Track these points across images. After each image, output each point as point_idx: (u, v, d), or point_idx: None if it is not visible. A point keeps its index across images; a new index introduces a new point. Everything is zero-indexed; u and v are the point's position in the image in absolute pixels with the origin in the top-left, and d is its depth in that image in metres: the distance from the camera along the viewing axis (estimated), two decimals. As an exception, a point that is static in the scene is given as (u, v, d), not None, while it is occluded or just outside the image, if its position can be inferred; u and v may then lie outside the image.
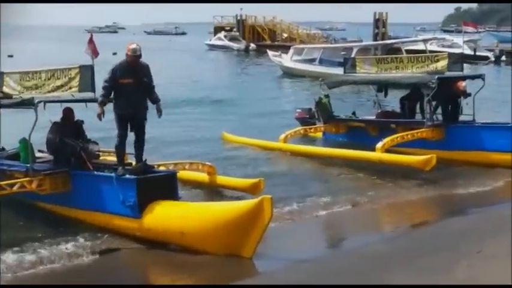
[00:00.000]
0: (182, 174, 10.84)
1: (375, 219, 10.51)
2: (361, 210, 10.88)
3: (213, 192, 11.81)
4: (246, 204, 8.35)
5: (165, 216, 8.85)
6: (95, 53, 10.21)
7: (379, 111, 16.73)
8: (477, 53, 46.18)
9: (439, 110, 15.09)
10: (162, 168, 10.36)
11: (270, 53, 44.61)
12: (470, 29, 41.96)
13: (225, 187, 11.72)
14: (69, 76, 10.49)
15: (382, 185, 12.61)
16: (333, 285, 7.13)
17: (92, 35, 10.51)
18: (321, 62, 37.07)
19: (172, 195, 9.32)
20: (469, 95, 14.92)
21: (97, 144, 10.63)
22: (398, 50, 35.43)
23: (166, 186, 9.35)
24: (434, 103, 14.95)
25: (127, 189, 9.06)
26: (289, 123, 17.83)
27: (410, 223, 10.38)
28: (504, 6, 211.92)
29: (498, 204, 11.28)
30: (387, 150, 13.82)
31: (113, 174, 9.38)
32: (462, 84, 14.90)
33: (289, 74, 38.72)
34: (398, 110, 16.31)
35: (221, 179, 11.72)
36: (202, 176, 11.78)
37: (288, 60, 40.55)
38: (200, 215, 8.72)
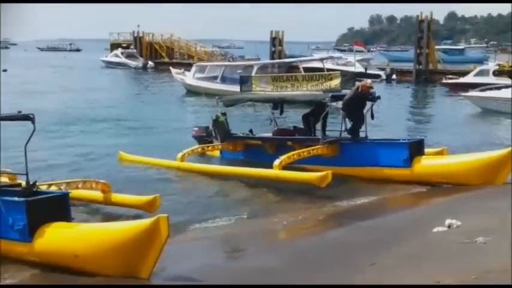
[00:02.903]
0: (75, 193, 10.54)
1: (271, 235, 10.59)
2: (257, 227, 10.95)
3: (108, 210, 11.54)
4: (142, 224, 8.18)
5: (57, 238, 8.52)
6: None
7: (276, 128, 16.92)
8: (369, 72, 47.88)
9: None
10: (53, 188, 10.01)
11: (173, 70, 44.39)
12: (360, 48, 43.50)
13: (121, 205, 11.47)
14: None
15: (278, 202, 12.79)
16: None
17: None
18: (223, 79, 37.18)
19: (65, 217, 8.98)
20: (379, 97, 15.21)
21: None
22: (296, 68, 36.16)
23: (58, 207, 9.01)
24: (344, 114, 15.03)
25: (16, 212, 8.65)
26: (188, 141, 17.73)
27: (305, 237, 10.50)
28: (394, 27, 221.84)
29: (390, 215, 11.61)
30: (285, 168, 14.00)
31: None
32: (368, 82, 15.19)
33: (192, 91, 38.55)
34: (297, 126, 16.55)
35: (116, 197, 11.47)
36: (97, 195, 11.50)
37: (190, 77, 40.43)
38: (94, 236, 8.47)
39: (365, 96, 15.01)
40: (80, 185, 11.00)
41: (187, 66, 47.40)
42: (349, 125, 15.01)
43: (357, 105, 14.89)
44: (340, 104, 15.40)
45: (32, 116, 9.28)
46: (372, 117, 15.04)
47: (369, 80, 15.43)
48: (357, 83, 15.79)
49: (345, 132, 15.03)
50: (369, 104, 15.09)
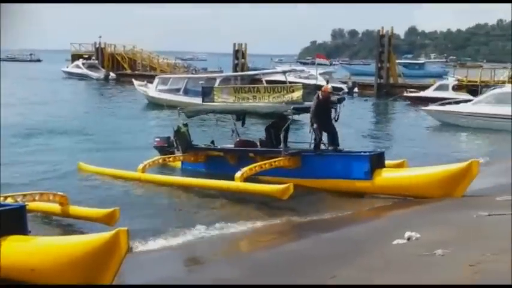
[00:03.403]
0: (32, 206, 10.34)
1: (232, 247, 10.55)
2: (218, 239, 10.92)
3: (67, 223, 11.37)
4: (101, 237, 8.02)
5: (13, 252, 8.28)
6: None
7: (238, 139, 16.90)
8: (330, 85, 48.17)
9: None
10: (9, 200, 9.77)
11: (136, 82, 44.23)
12: (322, 61, 43.91)
13: (79, 218, 11.31)
14: None
15: (239, 213, 12.72)
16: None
17: None
18: (186, 92, 37.17)
19: (22, 230, 8.78)
20: (343, 99, 15.21)
21: None
22: (259, 81, 36.25)
23: (14, 220, 8.80)
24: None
25: (-30, 226, 8.44)
26: (150, 153, 17.58)
27: (266, 249, 10.49)
28: (355, 41, 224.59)
29: (351, 227, 11.64)
30: (247, 179, 13.98)
31: None
32: (328, 87, 15.26)
33: (155, 103, 38.31)
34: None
35: (74, 210, 11.30)
36: (54, 207, 11.31)
37: (153, 89, 40.23)
38: (51, 250, 8.28)
39: (328, 101, 15.02)
40: (37, 198, 10.77)
41: (150, 78, 47.19)
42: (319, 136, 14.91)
43: (323, 113, 14.85)
44: (301, 116, 15.41)
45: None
46: (337, 119, 15.03)
47: (329, 85, 15.50)
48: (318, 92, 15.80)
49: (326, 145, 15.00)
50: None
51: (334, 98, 15.35)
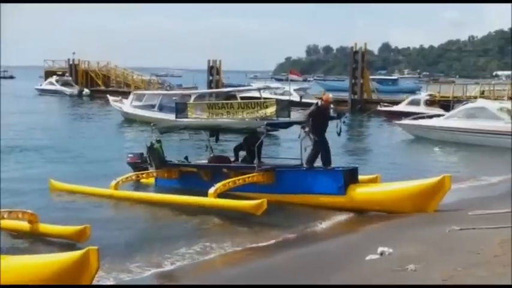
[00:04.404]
0: (1, 224, 10.20)
1: (206, 264, 10.47)
2: (191, 256, 10.84)
3: (37, 241, 11.21)
4: (71, 256, 7.92)
5: (-20, 272, 8.16)
6: None
7: (211, 155, 16.86)
8: (304, 100, 48.40)
9: None
10: (-23, 219, 9.62)
11: (111, 98, 44.13)
12: (295, 77, 44.27)
13: (49, 235, 11.20)
14: None
15: (213, 230, 12.67)
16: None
17: None
18: (161, 108, 37.15)
19: (-11, 249, 8.66)
20: (344, 114, 15.19)
21: None
22: (234, 97, 36.36)
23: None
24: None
25: None
26: (123, 169, 17.43)
27: (241, 265, 10.43)
28: (330, 57, 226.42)
29: (325, 243, 11.62)
30: (222, 195, 13.91)
31: None
32: (329, 96, 15.21)
33: (130, 119, 38.16)
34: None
35: (44, 227, 11.21)
36: (23, 225, 11.16)
37: (128, 105, 40.14)
38: (20, 270, 8.15)
39: (326, 112, 15.00)
40: (5, 216, 10.64)
41: (124, 95, 47.11)
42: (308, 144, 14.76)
43: (319, 121, 14.76)
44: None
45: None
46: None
47: (330, 94, 15.51)
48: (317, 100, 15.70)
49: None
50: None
51: (334, 113, 15.34)
